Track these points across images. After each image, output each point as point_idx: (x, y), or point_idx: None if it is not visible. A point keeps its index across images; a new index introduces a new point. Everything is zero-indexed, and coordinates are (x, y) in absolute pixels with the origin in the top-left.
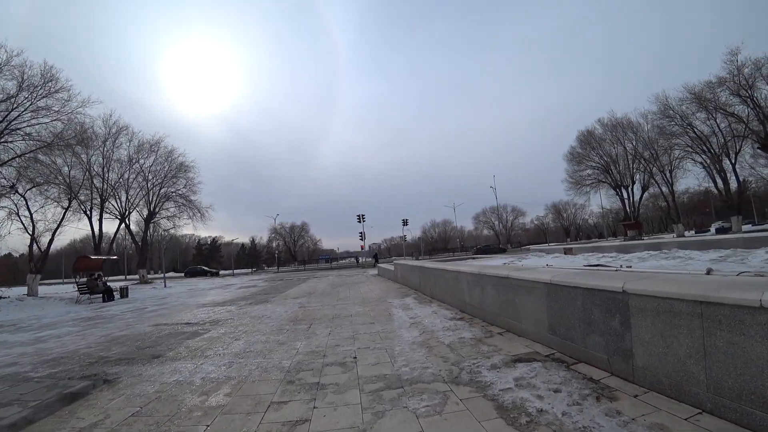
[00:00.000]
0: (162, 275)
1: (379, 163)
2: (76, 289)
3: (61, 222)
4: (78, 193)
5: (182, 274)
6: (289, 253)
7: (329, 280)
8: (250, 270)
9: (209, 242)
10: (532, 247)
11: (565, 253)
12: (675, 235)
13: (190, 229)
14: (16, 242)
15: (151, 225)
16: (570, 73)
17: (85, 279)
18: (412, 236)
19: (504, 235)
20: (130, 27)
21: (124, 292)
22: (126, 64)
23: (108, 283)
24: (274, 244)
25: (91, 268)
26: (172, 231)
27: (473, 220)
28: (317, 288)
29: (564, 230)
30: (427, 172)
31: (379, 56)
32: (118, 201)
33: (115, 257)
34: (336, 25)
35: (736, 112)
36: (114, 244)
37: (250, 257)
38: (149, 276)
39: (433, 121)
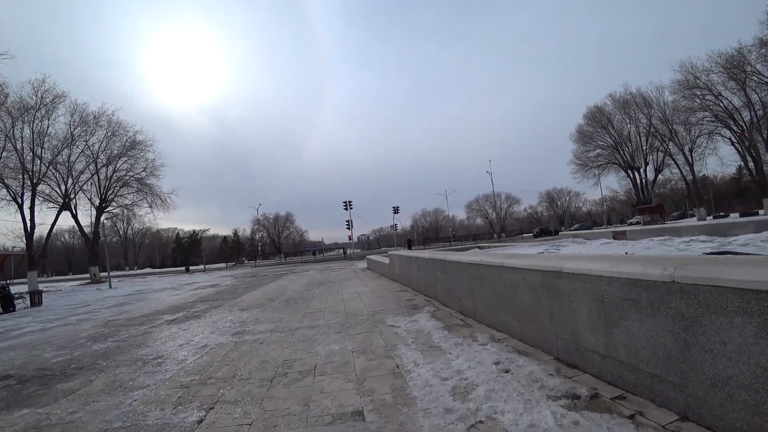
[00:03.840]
0: (123, 272)
1: (368, 154)
2: None
3: None
4: None
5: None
6: (273, 245)
7: (308, 278)
8: (225, 264)
9: (189, 235)
10: (562, 231)
11: (614, 238)
12: (696, 219)
13: (160, 219)
14: None
15: (124, 217)
16: (561, 61)
17: None
18: (402, 226)
19: (498, 223)
20: (110, 13)
21: (35, 299)
22: (106, 53)
23: (9, 288)
24: (257, 237)
25: None
26: (149, 225)
27: (466, 208)
28: (287, 290)
29: (558, 218)
30: (417, 161)
31: (366, 47)
32: (60, 185)
33: (20, 253)
34: (320, 14)
35: None
36: (50, 237)
37: (233, 250)
38: (102, 274)
39: (422, 111)
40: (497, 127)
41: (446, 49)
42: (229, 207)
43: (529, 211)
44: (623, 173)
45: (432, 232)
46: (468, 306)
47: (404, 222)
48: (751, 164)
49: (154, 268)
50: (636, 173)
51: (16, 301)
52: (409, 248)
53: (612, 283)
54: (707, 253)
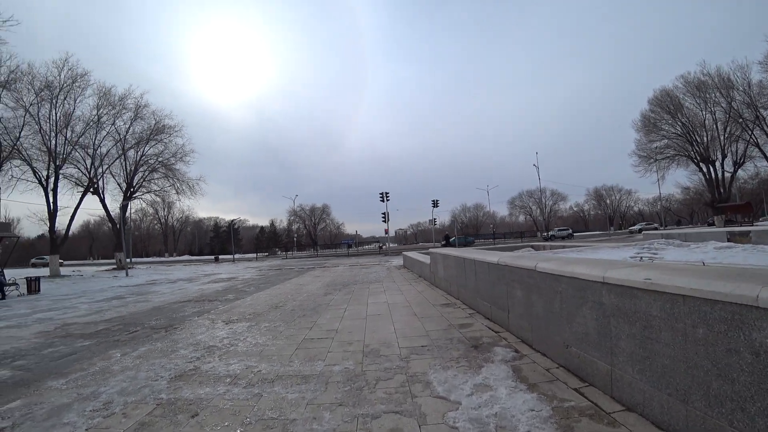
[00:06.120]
0: (161, 258)
1: (406, 147)
2: None
3: None
4: (9, 154)
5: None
6: (309, 237)
7: (334, 275)
8: (255, 255)
9: (227, 225)
10: (641, 229)
11: (730, 240)
12: None
13: (194, 207)
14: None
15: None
16: (619, 48)
17: None
18: (441, 221)
19: (543, 221)
20: (156, 11)
21: (33, 286)
22: (152, 49)
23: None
24: (293, 228)
25: None
26: (187, 213)
27: (508, 204)
28: (302, 292)
29: (608, 218)
30: (457, 155)
31: (404, 40)
32: (85, 167)
33: (11, 236)
34: (363, 5)
35: None
36: (74, 220)
37: (269, 240)
38: (132, 260)
39: (463, 103)
40: (543, 122)
41: (487, 40)
42: (269, 198)
43: (574, 209)
44: (693, 167)
45: (472, 228)
46: (593, 364)
47: (443, 217)
48: None
49: (192, 256)
50: (711, 167)
51: (8, 288)
52: (448, 244)
53: None
54: None
